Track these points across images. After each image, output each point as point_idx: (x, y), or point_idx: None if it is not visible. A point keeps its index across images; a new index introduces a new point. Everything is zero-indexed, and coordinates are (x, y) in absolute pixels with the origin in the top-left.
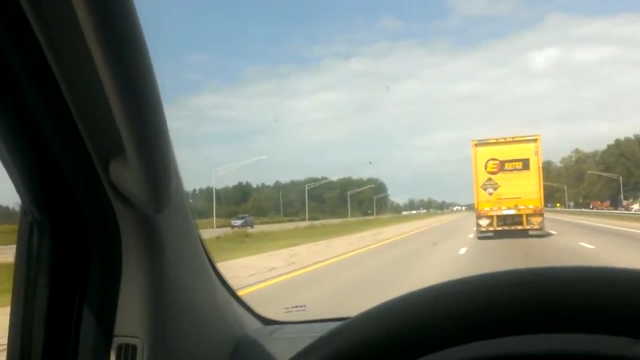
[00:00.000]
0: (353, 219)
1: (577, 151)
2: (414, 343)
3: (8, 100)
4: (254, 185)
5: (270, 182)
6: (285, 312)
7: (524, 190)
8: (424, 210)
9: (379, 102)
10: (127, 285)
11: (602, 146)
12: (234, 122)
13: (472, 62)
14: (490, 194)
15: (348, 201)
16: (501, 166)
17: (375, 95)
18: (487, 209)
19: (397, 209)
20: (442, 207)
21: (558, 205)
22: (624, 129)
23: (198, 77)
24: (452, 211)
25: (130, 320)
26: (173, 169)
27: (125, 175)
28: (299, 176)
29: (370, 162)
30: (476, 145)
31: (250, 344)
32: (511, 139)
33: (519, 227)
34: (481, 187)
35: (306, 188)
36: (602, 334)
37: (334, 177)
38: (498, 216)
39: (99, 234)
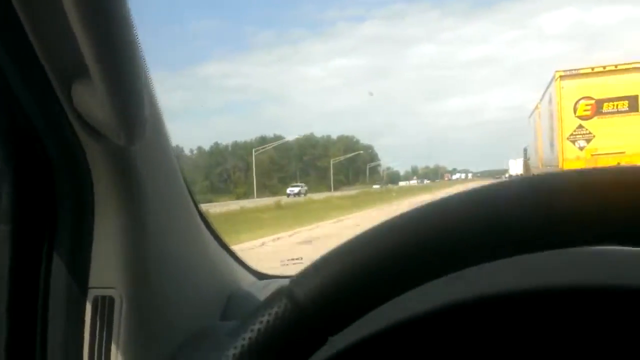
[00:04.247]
0: (268, 199)
1: None
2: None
3: None
4: (186, 151)
5: (206, 146)
6: (282, 265)
7: (631, 142)
8: (424, 181)
9: (392, 67)
10: (100, 230)
11: None
12: (244, 91)
13: (487, 25)
14: (582, 148)
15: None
16: (598, 107)
17: (389, 60)
18: None
19: (393, 178)
20: (450, 174)
21: None
22: None
23: (205, 44)
24: (450, 180)
25: (107, 270)
26: (147, 93)
27: (91, 100)
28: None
29: (371, 94)
30: (562, 77)
31: (243, 297)
32: (613, 68)
33: None
34: (568, 138)
35: (253, 152)
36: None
37: (291, 137)
38: None
39: (66, 173)
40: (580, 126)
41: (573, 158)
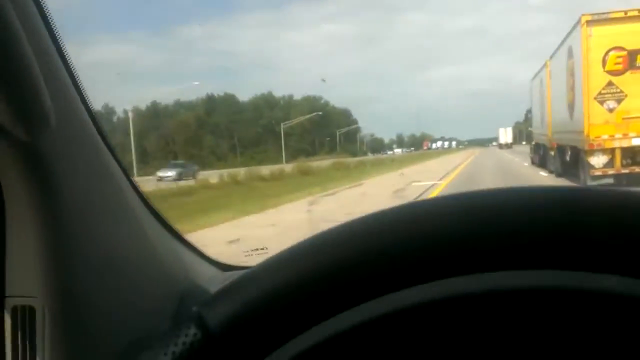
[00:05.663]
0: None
1: None
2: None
3: None
4: (119, 112)
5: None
6: (246, 256)
7: None
8: (407, 150)
9: (381, 35)
10: (15, 232)
11: None
12: (228, 55)
13: None
14: (611, 110)
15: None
16: (631, 60)
17: (378, 28)
18: (604, 136)
19: (377, 146)
20: (430, 142)
21: None
22: None
23: (187, 4)
24: (429, 149)
25: (26, 277)
26: (57, 79)
27: None
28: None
29: (323, 80)
30: (589, 23)
31: (201, 294)
32: None
33: None
34: (595, 98)
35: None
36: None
37: (245, 96)
38: (624, 149)
39: None
40: (610, 83)
41: (601, 122)
